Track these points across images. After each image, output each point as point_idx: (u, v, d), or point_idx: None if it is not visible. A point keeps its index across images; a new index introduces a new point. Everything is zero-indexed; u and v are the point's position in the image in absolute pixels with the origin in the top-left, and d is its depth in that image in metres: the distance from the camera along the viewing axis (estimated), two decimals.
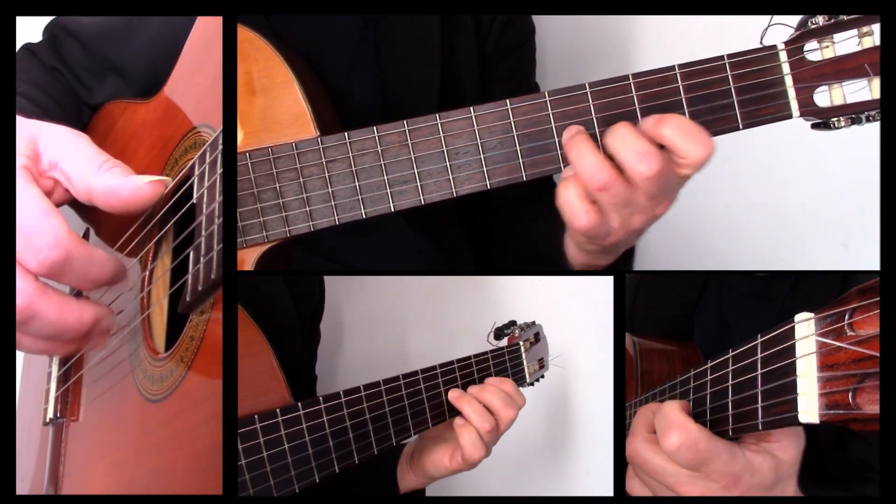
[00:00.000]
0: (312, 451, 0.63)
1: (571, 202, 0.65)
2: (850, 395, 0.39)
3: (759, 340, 0.48)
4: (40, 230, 0.55)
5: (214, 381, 0.57)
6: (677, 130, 0.63)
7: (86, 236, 0.81)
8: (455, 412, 0.76)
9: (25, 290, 0.55)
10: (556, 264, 0.78)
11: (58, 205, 0.63)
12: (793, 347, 0.44)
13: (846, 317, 0.40)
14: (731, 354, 0.52)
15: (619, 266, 0.77)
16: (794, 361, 0.43)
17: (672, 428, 0.52)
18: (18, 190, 0.56)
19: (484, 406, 0.76)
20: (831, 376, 0.41)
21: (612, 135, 0.65)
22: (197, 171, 0.63)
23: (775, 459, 0.52)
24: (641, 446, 0.56)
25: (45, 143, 0.61)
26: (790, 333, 0.44)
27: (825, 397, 0.41)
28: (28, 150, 0.60)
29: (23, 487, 0.85)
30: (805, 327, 0.43)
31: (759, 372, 0.48)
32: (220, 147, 0.60)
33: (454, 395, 0.77)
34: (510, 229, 0.95)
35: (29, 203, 0.56)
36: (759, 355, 0.48)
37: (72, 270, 0.56)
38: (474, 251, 1.00)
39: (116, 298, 0.71)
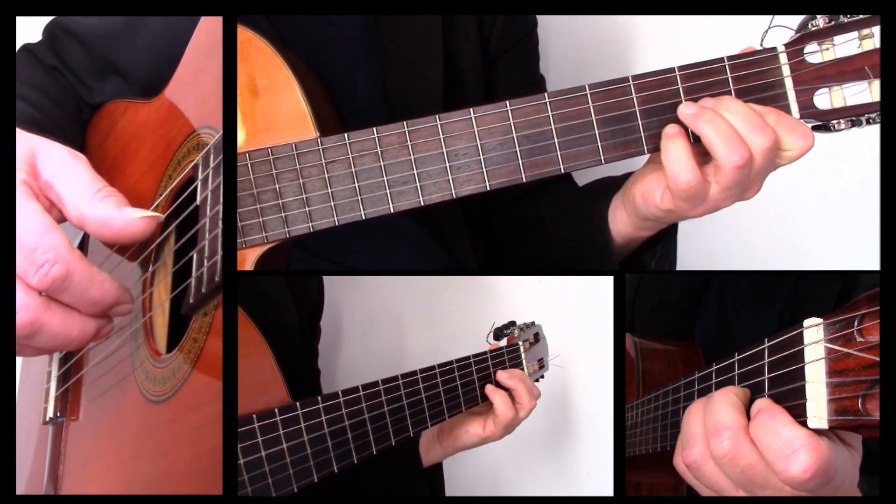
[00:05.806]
0: (311, 450, 0.62)
1: (680, 158, 0.65)
2: (859, 401, 0.39)
3: (767, 345, 0.48)
4: (42, 246, 0.54)
5: (218, 381, 0.57)
6: (781, 124, 0.65)
7: (84, 242, 0.81)
8: (446, 414, 0.79)
9: (30, 306, 0.54)
10: (591, 246, 0.78)
11: None
12: (801, 353, 0.43)
13: (855, 323, 0.40)
14: (736, 358, 0.52)
15: (665, 240, 0.78)
16: (803, 367, 0.43)
17: (796, 453, 0.42)
18: (19, 205, 0.55)
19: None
20: (840, 382, 0.41)
21: (722, 106, 0.65)
22: (200, 174, 0.63)
23: (857, 455, 0.46)
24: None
25: (43, 161, 0.59)
26: (798, 338, 0.44)
27: (834, 403, 0.41)
28: (27, 167, 0.59)
29: (20, 487, 0.85)
30: (814, 333, 0.43)
31: (767, 376, 0.47)
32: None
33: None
34: (524, 221, 0.94)
35: (30, 218, 0.55)
36: (767, 360, 0.48)
37: (72, 287, 0.56)
38: (490, 255, 1.00)
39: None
